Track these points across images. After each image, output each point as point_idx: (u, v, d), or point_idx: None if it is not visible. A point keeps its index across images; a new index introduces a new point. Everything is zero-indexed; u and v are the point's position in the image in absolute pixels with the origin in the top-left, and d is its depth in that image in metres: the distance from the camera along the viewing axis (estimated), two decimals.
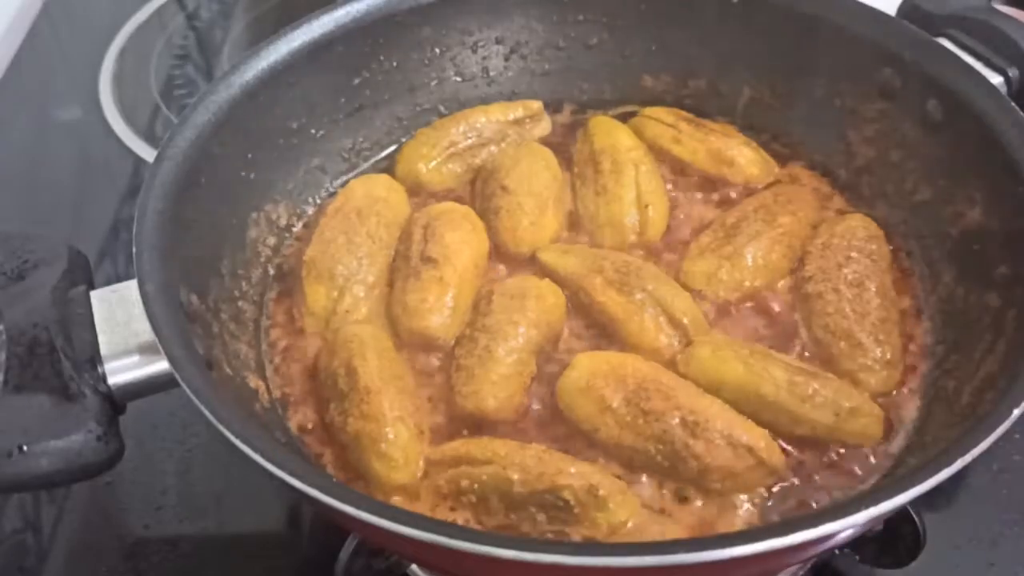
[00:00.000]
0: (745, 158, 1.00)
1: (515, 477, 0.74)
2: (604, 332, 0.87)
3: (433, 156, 1.01)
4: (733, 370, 0.80)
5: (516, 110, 1.05)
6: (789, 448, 0.79)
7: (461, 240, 0.91)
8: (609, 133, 1.01)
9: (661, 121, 1.04)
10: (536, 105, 1.06)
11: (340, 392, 0.81)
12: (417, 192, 1.00)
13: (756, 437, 0.77)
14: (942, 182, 0.92)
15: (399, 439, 0.78)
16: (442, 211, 0.94)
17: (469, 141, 1.02)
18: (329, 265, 0.90)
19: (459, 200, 0.99)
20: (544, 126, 1.06)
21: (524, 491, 0.73)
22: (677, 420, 0.76)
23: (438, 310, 0.86)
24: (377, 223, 0.93)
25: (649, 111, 1.05)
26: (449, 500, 0.77)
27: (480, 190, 1.00)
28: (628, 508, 0.74)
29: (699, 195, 1.00)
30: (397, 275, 0.91)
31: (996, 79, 0.93)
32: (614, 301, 0.86)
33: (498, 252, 0.94)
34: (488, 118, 1.04)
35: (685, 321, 0.85)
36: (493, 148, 1.03)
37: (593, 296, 0.87)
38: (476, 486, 0.75)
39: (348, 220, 0.93)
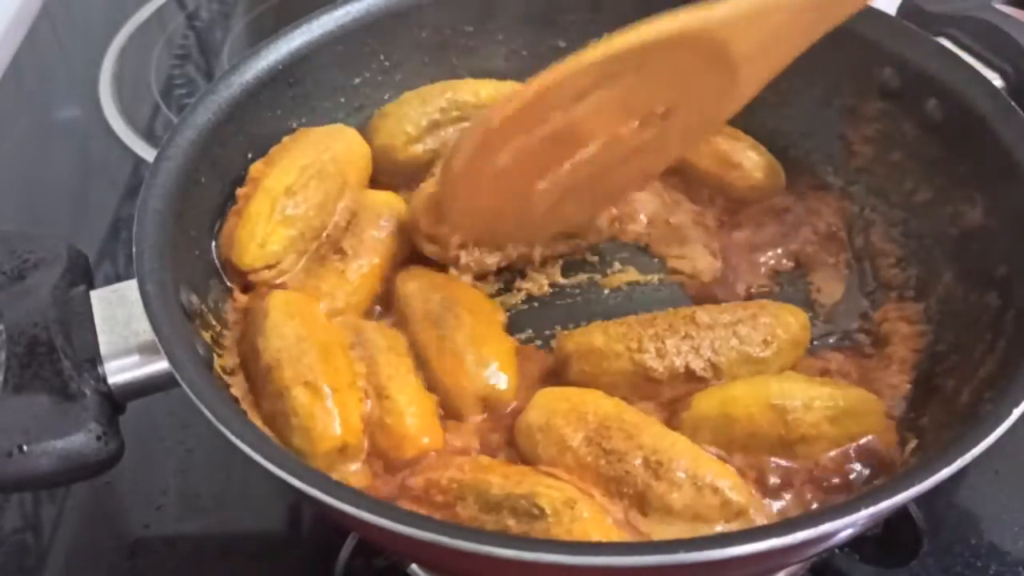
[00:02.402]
0: (751, 162, 1.00)
1: (495, 480, 0.73)
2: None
3: (412, 135, 0.99)
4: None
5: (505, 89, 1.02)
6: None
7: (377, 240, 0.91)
8: None
9: None
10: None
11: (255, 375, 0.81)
12: (385, 162, 1.00)
13: (722, 475, 0.74)
14: (942, 182, 0.92)
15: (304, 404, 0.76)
16: (372, 203, 0.93)
17: (451, 115, 1.00)
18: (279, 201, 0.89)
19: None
20: None
21: (501, 494, 0.72)
22: (639, 461, 0.74)
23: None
24: (336, 187, 0.92)
25: None
26: (416, 494, 0.75)
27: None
28: (601, 525, 0.71)
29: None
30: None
31: (996, 79, 0.93)
32: None
33: None
34: (477, 97, 1.02)
35: None
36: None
37: None
38: (455, 485, 0.74)
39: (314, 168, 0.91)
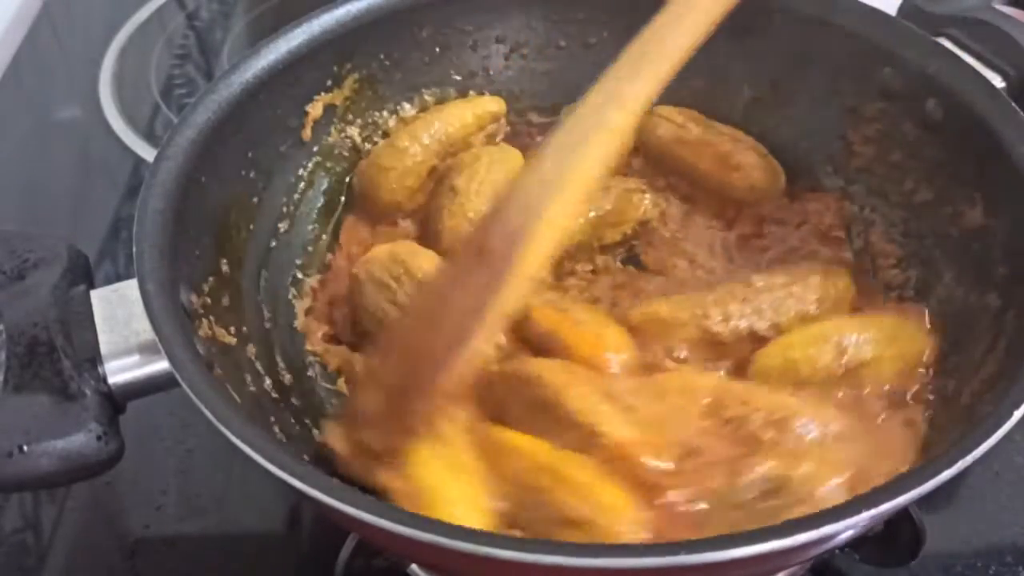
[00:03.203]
0: (751, 163, 1.00)
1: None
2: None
3: (394, 180, 1.00)
4: None
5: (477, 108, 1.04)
6: None
7: None
8: None
9: (671, 120, 1.03)
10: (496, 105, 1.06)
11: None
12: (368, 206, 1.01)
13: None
14: (942, 182, 0.92)
15: None
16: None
17: (432, 151, 1.01)
18: None
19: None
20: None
21: (562, 413, 0.74)
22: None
23: None
24: None
25: (660, 109, 1.04)
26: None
27: (432, 192, 1.01)
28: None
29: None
30: None
31: (996, 79, 0.93)
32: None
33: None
34: (454, 125, 1.02)
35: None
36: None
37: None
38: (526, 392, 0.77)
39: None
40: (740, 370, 0.84)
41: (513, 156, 1.01)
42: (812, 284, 0.87)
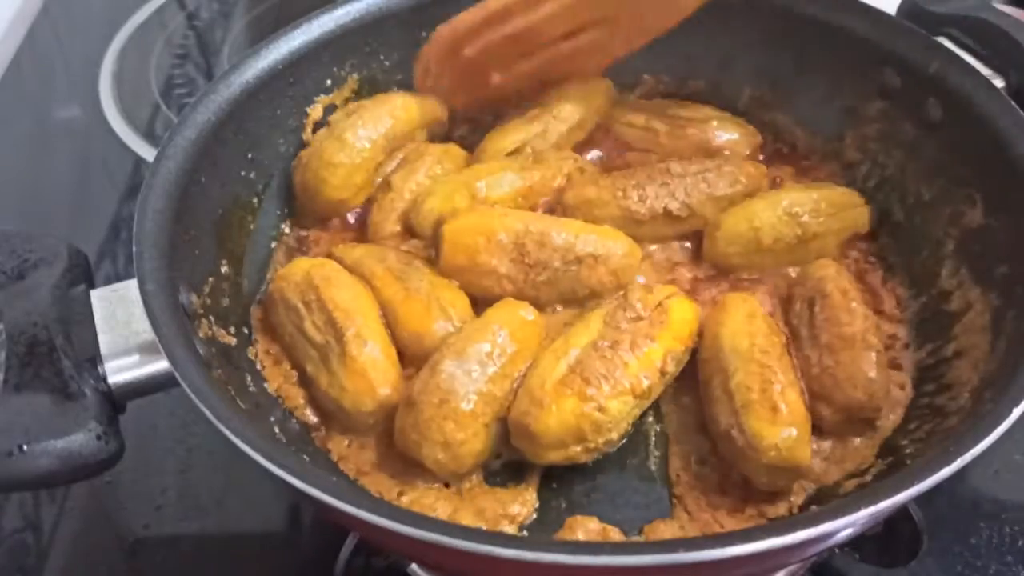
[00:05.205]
0: (729, 137, 1.02)
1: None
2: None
3: (340, 177, 0.96)
4: None
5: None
6: None
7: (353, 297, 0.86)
8: None
9: (633, 126, 1.04)
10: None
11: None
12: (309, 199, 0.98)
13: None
14: (942, 182, 0.92)
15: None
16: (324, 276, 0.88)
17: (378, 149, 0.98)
18: None
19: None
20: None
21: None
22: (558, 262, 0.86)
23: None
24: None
25: (619, 116, 1.05)
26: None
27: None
28: None
29: None
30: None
31: (996, 79, 0.93)
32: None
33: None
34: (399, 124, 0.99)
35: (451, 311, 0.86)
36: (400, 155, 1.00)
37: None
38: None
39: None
40: (699, 242, 0.95)
41: (456, 154, 1.01)
42: (725, 173, 0.95)
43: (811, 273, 0.89)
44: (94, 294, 0.76)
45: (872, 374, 0.81)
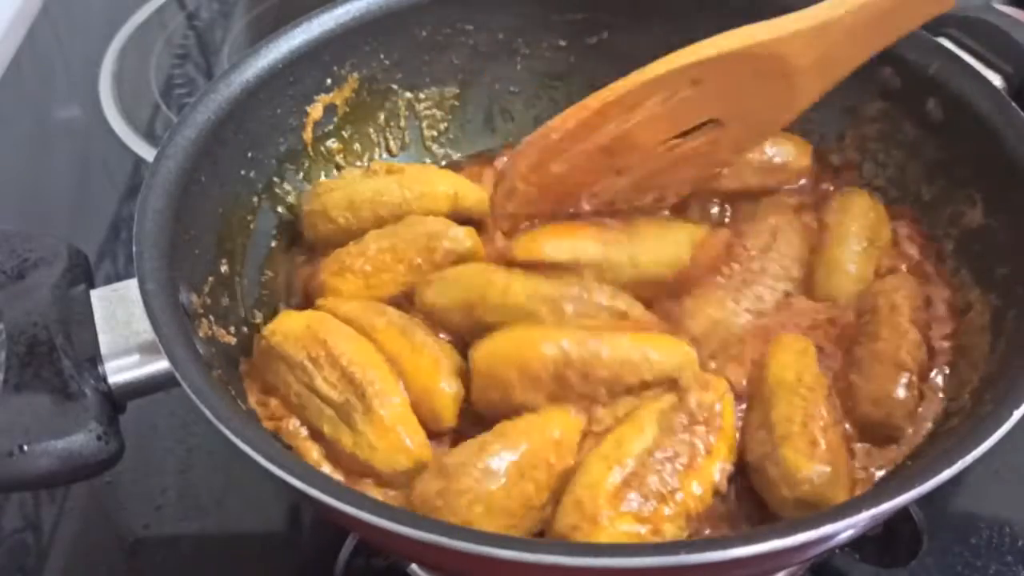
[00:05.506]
0: (788, 153, 0.97)
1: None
2: None
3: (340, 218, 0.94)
4: None
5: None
6: None
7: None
8: None
9: None
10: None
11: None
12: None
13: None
14: (942, 182, 0.92)
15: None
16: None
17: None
18: None
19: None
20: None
21: None
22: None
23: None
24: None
25: None
26: None
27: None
28: None
29: None
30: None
31: (996, 79, 0.92)
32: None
33: None
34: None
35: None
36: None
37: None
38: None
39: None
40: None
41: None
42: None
43: (876, 288, 0.86)
44: (94, 294, 0.76)
45: (895, 394, 0.78)
